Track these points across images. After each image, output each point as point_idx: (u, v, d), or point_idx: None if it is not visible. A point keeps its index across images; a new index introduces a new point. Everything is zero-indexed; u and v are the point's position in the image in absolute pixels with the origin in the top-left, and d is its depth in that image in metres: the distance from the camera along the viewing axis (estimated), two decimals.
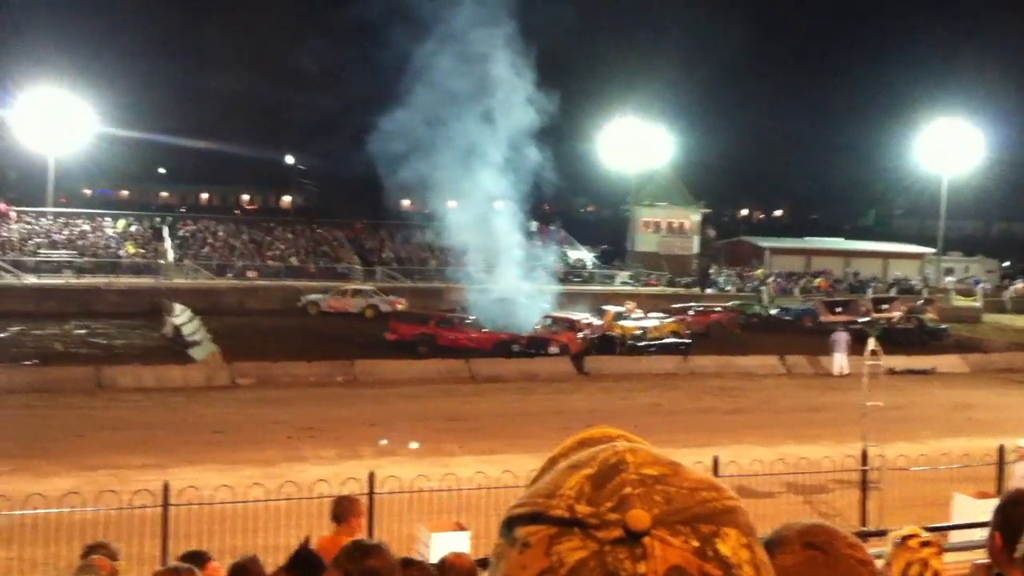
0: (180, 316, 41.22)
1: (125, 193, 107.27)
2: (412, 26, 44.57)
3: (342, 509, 8.43)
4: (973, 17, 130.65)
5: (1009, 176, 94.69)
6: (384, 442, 13.95)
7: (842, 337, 36.07)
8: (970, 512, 13.23)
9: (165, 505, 13.12)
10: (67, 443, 22.05)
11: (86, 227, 62.08)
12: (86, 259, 57.33)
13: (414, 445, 13.51)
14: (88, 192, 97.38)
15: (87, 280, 53.12)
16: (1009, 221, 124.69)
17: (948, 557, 4.25)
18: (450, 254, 61.19)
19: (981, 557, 6.63)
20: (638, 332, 38.78)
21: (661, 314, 43.85)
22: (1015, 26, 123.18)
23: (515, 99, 45.88)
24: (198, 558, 6.47)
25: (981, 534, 9.20)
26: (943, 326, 47.64)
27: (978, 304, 62.91)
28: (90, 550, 7.13)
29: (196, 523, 13.05)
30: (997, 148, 76.76)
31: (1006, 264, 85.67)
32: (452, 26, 45.21)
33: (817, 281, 69.90)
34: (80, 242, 59.63)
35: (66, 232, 60.84)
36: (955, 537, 11.81)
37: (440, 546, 10.86)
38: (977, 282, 72.08)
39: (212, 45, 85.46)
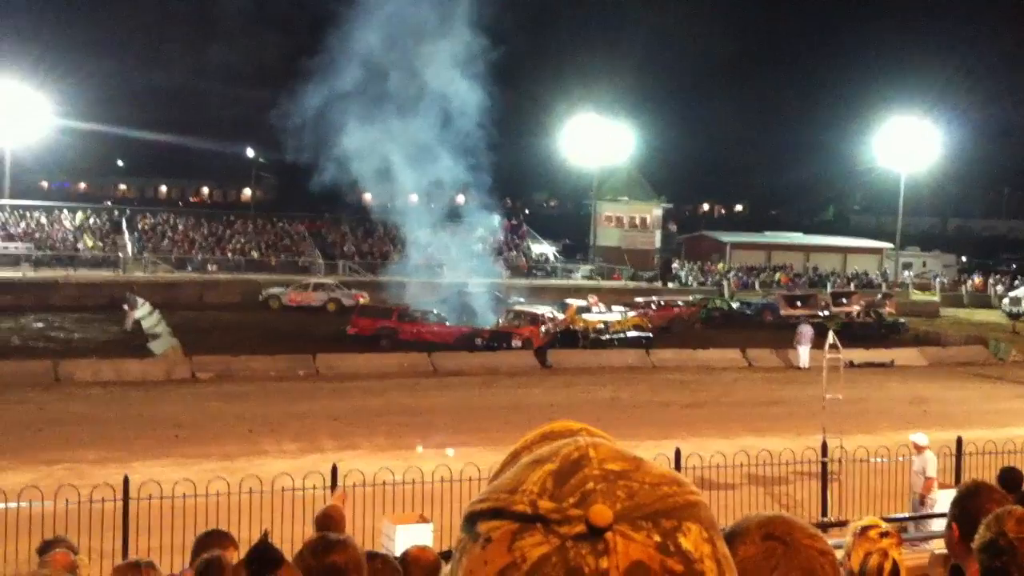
0: (141, 310, 40.94)
1: (83, 186, 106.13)
2: (371, 22, 44.42)
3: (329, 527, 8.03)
4: (929, 17, 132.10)
5: (964, 173, 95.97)
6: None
7: (807, 331, 36.33)
8: (928, 503, 13.39)
9: (125, 499, 13.01)
10: (24, 438, 21.80)
11: (43, 220, 61.41)
12: (43, 252, 56.73)
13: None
14: (45, 185, 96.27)
15: (45, 273, 52.55)
16: (965, 217, 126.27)
17: (907, 548, 4.30)
18: (412, 248, 61.10)
19: (940, 547, 6.71)
20: (600, 326, 38.89)
21: (623, 308, 43.99)
22: (970, 26, 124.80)
23: (477, 94, 45.85)
24: (221, 538, 6.34)
25: (939, 524, 9.33)
26: (901, 320, 48.16)
27: (936, 298, 63.64)
28: (47, 545, 7.06)
29: (157, 518, 12.94)
30: (953, 145, 77.63)
31: (963, 259, 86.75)
32: (411, 22, 45.14)
33: (777, 275, 70.42)
34: (37, 235, 59.00)
35: (23, 225, 60.14)
36: (914, 528, 11.95)
37: (404, 539, 10.86)
38: (935, 277, 72.92)
39: (171, 36, 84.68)
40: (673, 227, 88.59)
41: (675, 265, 72.88)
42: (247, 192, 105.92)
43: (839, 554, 3.43)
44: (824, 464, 16.88)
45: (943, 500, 13.27)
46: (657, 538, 0.99)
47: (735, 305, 53.22)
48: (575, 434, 1.13)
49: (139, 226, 63.17)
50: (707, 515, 1.04)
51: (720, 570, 1.02)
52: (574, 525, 0.99)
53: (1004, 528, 3.11)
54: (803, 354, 35.75)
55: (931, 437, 18.92)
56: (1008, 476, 8.97)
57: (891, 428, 24.54)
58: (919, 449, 15.80)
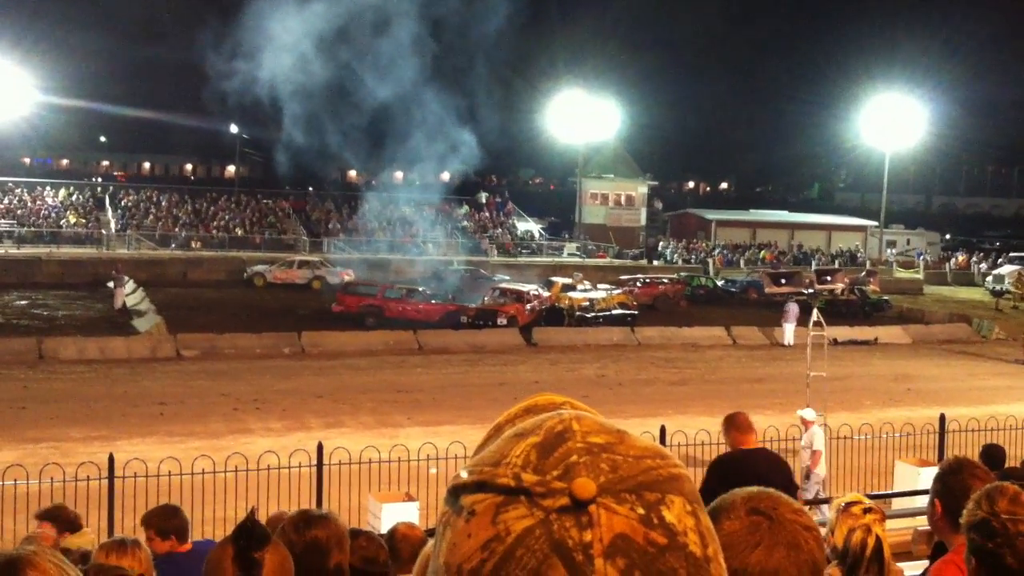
0: (128, 287, 40.81)
1: (65, 162, 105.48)
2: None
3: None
4: None
5: (949, 151, 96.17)
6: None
7: (793, 308, 36.46)
8: (912, 480, 13.46)
9: (111, 477, 12.99)
10: (9, 416, 21.76)
11: (26, 197, 61.06)
12: (26, 229, 56.45)
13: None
14: (27, 161, 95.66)
15: (28, 250, 52.31)
16: (949, 195, 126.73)
17: (890, 524, 4.32)
18: (398, 225, 61.02)
19: (923, 524, 6.75)
20: (586, 304, 38.93)
21: (608, 286, 44.08)
22: (956, 3, 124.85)
23: (462, 71, 45.70)
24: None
25: (922, 501, 9.38)
26: (885, 298, 48.33)
27: (919, 276, 63.89)
28: (46, 513, 7.05)
29: (142, 496, 12.93)
30: (938, 123, 77.79)
31: (947, 237, 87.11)
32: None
33: (762, 253, 70.57)
34: (20, 212, 58.67)
35: (5, 201, 59.80)
36: (897, 504, 12.02)
37: (390, 516, 10.88)
38: (919, 254, 73.18)
39: (153, 11, 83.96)
40: (659, 205, 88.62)
41: (660, 243, 72.93)
42: (231, 169, 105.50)
43: (823, 530, 3.44)
44: None
45: (927, 477, 13.36)
46: (640, 511, 0.99)
47: (720, 283, 53.35)
48: (558, 407, 1.13)
49: (122, 203, 62.85)
50: (690, 488, 1.05)
51: (703, 543, 1.03)
52: (558, 498, 0.99)
53: (996, 508, 3.06)
54: (788, 331, 35.88)
55: (915, 414, 19.04)
56: (990, 453, 9.04)
57: (875, 405, 24.70)
58: (806, 424, 16.18)
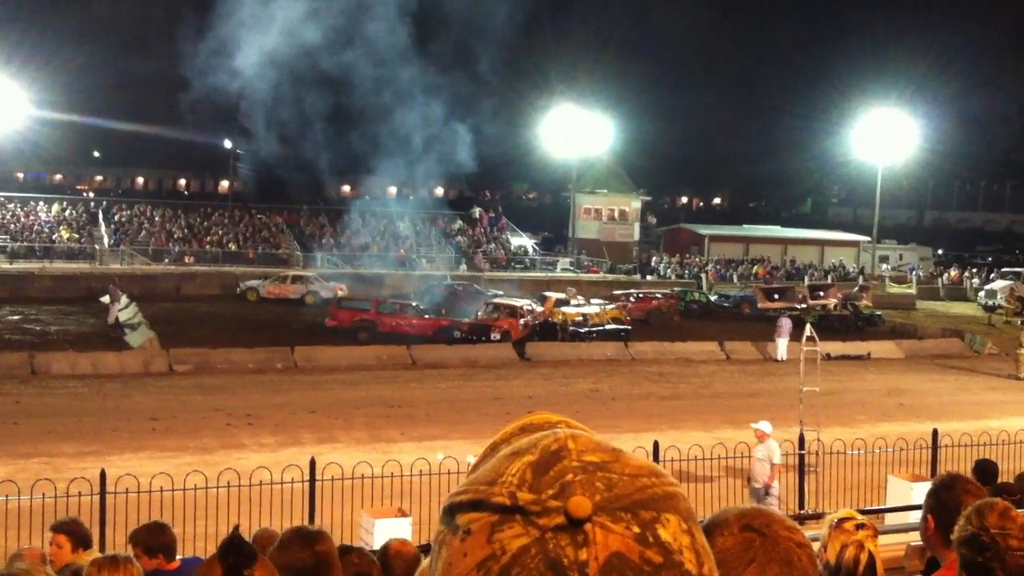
0: (122, 302, 40.70)
1: (58, 177, 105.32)
2: (347, 14, 44.29)
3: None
4: (908, 9, 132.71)
5: (942, 165, 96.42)
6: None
7: (786, 323, 36.49)
8: (904, 495, 13.48)
9: (102, 493, 12.95)
10: (0, 430, 21.67)
11: (19, 211, 60.94)
12: (19, 244, 56.33)
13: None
14: (20, 175, 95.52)
15: (20, 265, 52.18)
16: (942, 210, 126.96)
17: (883, 539, 4.32)
18: (391, 240, 61.01)
19: (916, 539, 6.74)
20: (579, 318, 38.92)
21: (602, 300, 44.07)
22: (948, 18, 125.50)
23: (455, 86, 45.80)
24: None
25: (915, 516, 9.39)
26: (878, 313, 48.39)
27: (912, 291, 63.94)
28: (64, 527, 7.01)
29: (134, 511, 12.88)
30: (930, 138, 78.02)
31: (939, 252, 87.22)
32: (386, 13, 45.05)
33: (755, 268, 70.62)
34: (13, 226, 58.56)
35: None
36: (890, 519, 12.03)
37: (382, 532, 10.86)
38: (912, 269, 73.27)
39: (147, 25, 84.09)
40: (652, 219, 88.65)
41: (654, 258, 72.95)
42: (225, 183, 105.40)
43: (816, 546, 3.44)
44: (801, 456, 16.97)
45: (919, 492, 13.36)
46: (636, 529, 0.99)
47: (713, 298, 53.37)
48: (554, 426, 1.13)
49: (115, 217, 62.76)
50: (685, 506, 1.05)
51: (699, 561, 1.03)
52: (553, 517, 0.99)
53: (986, 523, 3.09)
54: (781, 346, 35.89)
55: (907, 429, 19.05)
56: (983, 468, 9.05)
57: (868, 420, 24.70)
58: (762, 437, 16.02)
